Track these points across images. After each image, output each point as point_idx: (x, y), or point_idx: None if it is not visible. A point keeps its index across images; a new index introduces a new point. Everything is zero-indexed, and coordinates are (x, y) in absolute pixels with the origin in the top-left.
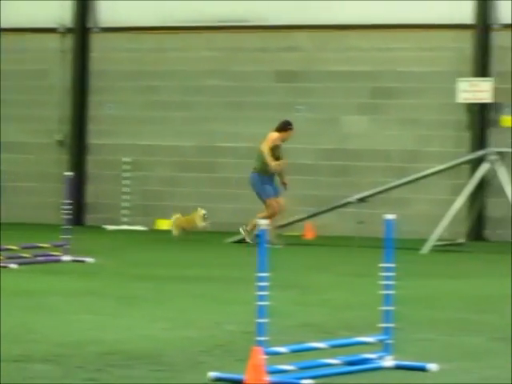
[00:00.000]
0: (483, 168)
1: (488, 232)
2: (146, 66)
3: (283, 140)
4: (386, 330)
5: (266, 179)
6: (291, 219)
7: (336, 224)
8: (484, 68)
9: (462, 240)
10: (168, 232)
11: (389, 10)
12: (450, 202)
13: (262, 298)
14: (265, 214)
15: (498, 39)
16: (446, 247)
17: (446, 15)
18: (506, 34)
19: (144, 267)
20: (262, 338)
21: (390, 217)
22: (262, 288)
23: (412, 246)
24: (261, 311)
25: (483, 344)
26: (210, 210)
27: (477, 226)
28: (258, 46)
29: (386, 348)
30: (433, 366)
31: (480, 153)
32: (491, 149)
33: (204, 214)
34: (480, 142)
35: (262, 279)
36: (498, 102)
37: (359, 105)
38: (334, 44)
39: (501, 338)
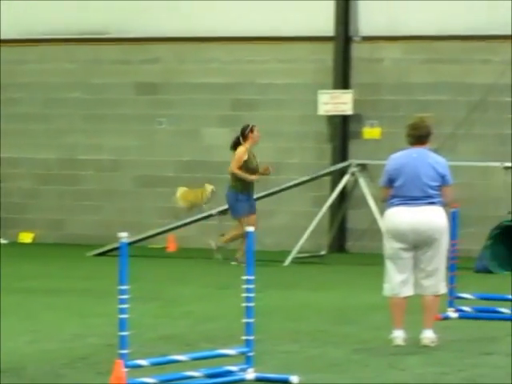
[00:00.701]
0: (345, 180)
1: (350, 244)
2: (5, 79)
3: (253, 144)
4: (248, 343)
5: (240, 197)
6: (153, 232)
7: (198, 236)
8: (344, 80)
9: (323, 252)
10: (31, 245)
11: (249, 23)
12: (312, 214)
13: (123, 310)
14: (234, 232)
15: (358, 51)
16: (307, 259)
17: (307, 27)
18: (366, 46)
19: (7, 280)
20: (124, 351)
21: (250, 229)
22: (123, 301)
23: (274, 258)
24: (122, 324)
25: (345, 355)
26: (73, 222)
27: (338, 238)
28: (119, 58)
29: (247, 360)
30: (295, 378)
31: (341, 165)
32: (353, 161)
33: (212, 189)
34: (341, 153)
35: (122, 292)
36: (359, 113)
37: (220, 117)
38: (195, 56)
39: (363, 350)
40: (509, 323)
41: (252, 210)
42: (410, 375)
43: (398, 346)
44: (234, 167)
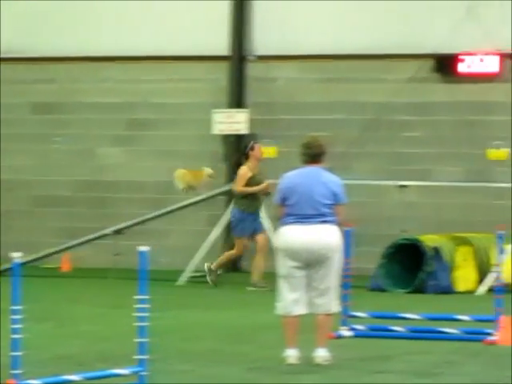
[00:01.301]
0: None
1: (244, 263)
2: None
3: (256, 162)
4: (141, 362)
5: (245, 216)
6: (47, 251)
7: (92, 256)
8: (239, 99)
9: (218, 271)
10: None
11: (144, 42)
12: (207, 233)
13: (16, 330)
14: (233, 252)
15: (253, 70)
16: (202, 278)
17: (201, 46)
18: (261, 65)
19: None
20: (17, 371)
21: (143, 249)
22: (15, 321)
23: (169, 277)
24: (15, 344)
25: (239, 375)
26: None
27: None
28: (14, 78)
29: (140, 380)
30: None
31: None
32: None
33: (210, 174)
34: (235, 174)
35: (15, 312)
36: (254, 132)
37: (115, 136)
38: (89, 76)
39: (256, 368)
40: (402, 341)
41: (259, 230)
42: None
43: (291, 364)
44: (237, 187)
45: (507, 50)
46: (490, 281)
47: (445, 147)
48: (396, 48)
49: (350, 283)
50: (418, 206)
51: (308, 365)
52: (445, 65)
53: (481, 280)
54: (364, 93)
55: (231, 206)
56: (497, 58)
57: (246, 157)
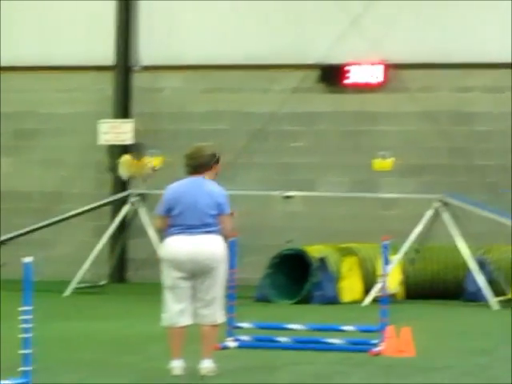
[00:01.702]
0: (125, 210)
1: (130, 273)
2: None
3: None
4: (25, 374)
5: None
6: None
7: None
8: (125, 109)
9: (104, 282)
10: None
11: (30, 52)
12: (93, 244)
13: None
14: None
15: (139, 80)
16: (88, 289)
17: (87, 56)
18: (147, 75)
19: None
20: None
21: (28, 259)
22: None
23: (55, 288)
24: None
25: None
26: None
27: (119, 268)
28: None
29: None
30: None
31: (122, 194)
32: (132, 191)
33: (152, 167)
34: (122, 183)
35: None
36: (140, 142)
37: (1, 146)
38: None
39: (142, 380)
40: (288, 352)
41: None
42: None
43: (176, 375)
44: None
45: (391, 61)
46: (375, 291)
47: (330, 157)
48: (281, 58)
49: (236, 294)
50: (304, 216)
51: (193, 376)
52: (330, 75)
53: (367, 290)
54: (250, 103)
55: None
56: (381, 69)
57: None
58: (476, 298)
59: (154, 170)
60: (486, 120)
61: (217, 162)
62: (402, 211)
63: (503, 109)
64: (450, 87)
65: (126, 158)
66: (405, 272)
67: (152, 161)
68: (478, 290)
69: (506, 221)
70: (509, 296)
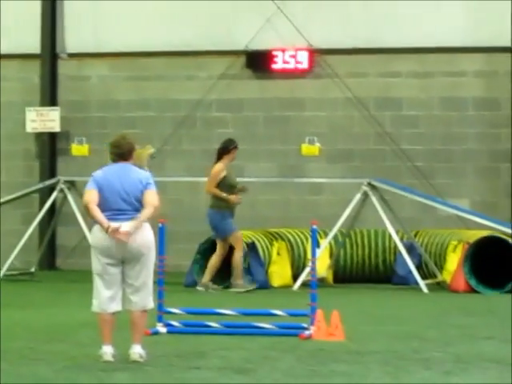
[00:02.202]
0: (53, 197)
1: (60, 261)
2: None
3: (230, 162)
4: None
5: (226, 214)
6: None
7: None
8: (52, 97)
9: (33, 269)
10: None
11: None
12: (21, 232)
13: None
14: (217, 255)
15: (65, 68)
16: (17, 277)
17: (13, 44)
18: (73, 63)
19: None
20: None
21: None
22: None
23: None
24: None
25: (54, 373)
26: None
27: (48, 255)
28: None
29: None
30: None
31: (50, 182)
32: (61, 177)
33: (152, 153)
34: (50, 171)
35: None
36: (67, 130)
37: None
38: None
39: (72, 367)
40: (218, 337)
41: (234, 229)
42: None
43: (107, 361)
44: (210, 187)
45: (318, 46)
46: (304, 276)
47: (258, 143)
48: (207, 45)
49: (165, 280)
50: None
51: (123, 362)
52: (257, 61)
53: (296, 275)
54: (176, 90)
55: (209, 208)
56: (308, 54)
57: (226, 154)
58: (405, 281)
59: (152, 157)
60: (414, 105)
61: (235, 148)
62: (330, 196)
63: (431, 93)
64: (377, 72)
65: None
66: (334, 256)
67: (150, 148)
68: (408, 273)
69: (434, 205)
70: (438, 279)
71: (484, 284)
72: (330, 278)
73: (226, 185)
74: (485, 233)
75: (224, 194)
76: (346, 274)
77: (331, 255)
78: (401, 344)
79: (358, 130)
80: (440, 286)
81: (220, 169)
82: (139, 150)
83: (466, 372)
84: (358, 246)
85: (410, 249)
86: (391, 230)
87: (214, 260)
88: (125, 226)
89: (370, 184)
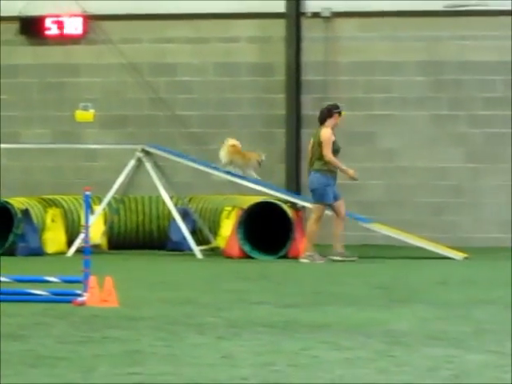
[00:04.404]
0: None
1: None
2: None
3: (335, 126)
4: None
5: (331, 182)
6: None
7: None
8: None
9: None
10: None
11: None
12: None
13: None
14: (315, 217)
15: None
16: None
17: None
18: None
19: None
20: None
21: None
22: None
23: None
24: None
25: None
26: None
27: None
28: None
29: None
30: None
31: None
32: None
33: (262, 161)
34: None
35: None
36: None
37: None
38: None
39: None
40: None
41: (338, 196)
42: None
43: None
44: (328, 154)
45: (92, 12)
46: (79, 242)
47: (32, 110)
48: None
49: None
50: (7, 169)
51: None
52: (30, 27)
53: (71, 241)
54: None
55: (313, 172)
56: (81, 20)
57: (331, 115)
58: (180, 247)
59: (260, 163)
60: (188, 71)
61: (338, 113)
62: (104, 162)
63: (205, 59)
64: (152, 38)
65: (230, 143)
66: (108, 223)
67: (262, 155)
68: (182, 239)
69: (207, 170)
70: (212, 245)
71: (258, 249)
72: (105, 244)
73: (333, 150)
74: (259, 198)
75: (344, 167)
76: (121, 241)
77: (105, 222)
78: (174, 309)
79: (132, 96)
80: (214, 252)
81: (330, 133)
82: (247, 152)
83: (239, 336)
84: (133, 213)
85: (184, 215)
86: (165, 196)
87: (311, 227)
88: None
89: (143, 150)
